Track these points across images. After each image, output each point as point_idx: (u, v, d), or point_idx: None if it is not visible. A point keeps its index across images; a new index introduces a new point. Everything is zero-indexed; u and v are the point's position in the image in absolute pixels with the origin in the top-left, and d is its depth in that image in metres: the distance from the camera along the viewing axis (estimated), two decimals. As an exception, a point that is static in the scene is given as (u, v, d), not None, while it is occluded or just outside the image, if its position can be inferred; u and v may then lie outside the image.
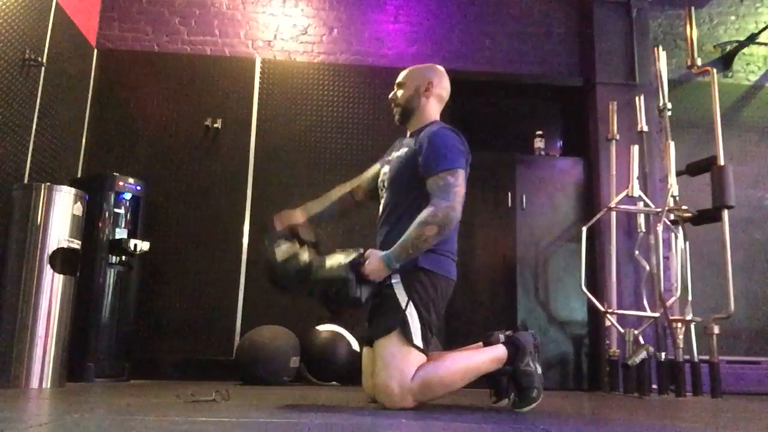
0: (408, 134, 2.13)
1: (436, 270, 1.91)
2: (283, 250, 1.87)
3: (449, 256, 1.96)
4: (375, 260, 1.83)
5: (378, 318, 1.89)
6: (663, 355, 3.19)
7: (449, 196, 1.84)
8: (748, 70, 4.35)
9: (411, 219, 1.87)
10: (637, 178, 3.54)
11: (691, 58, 3.60)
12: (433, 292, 1.89)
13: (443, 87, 2.14)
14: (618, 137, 3.76)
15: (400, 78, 2.16)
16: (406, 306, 1.84)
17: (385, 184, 2.07)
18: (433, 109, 2.12)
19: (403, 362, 1.79)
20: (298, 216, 2.12)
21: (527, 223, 3.92)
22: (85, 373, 2.92)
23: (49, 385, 2.53)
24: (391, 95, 2.18)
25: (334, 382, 3.27)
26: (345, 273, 1.78)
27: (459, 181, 1.88)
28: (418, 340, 1.82)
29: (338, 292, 1.79)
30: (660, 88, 3.64)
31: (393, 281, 1.88)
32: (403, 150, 2.05)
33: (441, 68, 2.19)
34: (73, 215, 2.69)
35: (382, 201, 2.09)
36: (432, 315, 1.88)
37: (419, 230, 1.81)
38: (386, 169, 2.10)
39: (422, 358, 1.84)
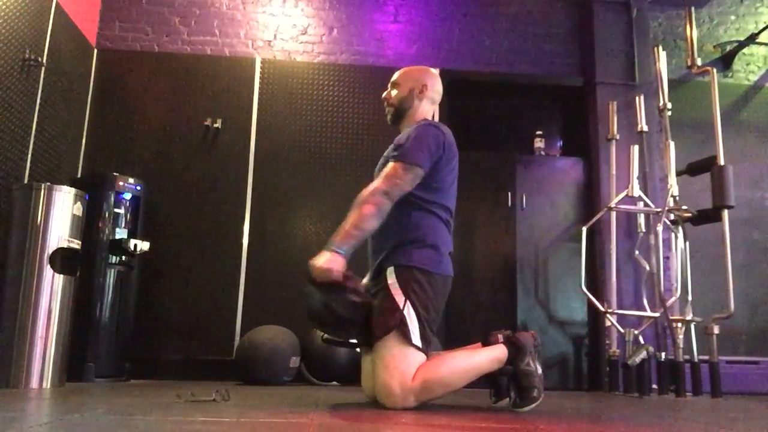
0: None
1: (431, 268, 1.91)
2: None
3: (443, 252, 1.97)
4: (319, 257, 1.79)
5: (376, 319, 1.89)
6: (663, 355, 3.19)
7: (387, 181, 1.88)
8: (748, 70, 4.35)
9: (392, 215, 1.90)
10: (637, 178, 3.54)
11: (691, 58, 3.60)
12: (430, 290, 1.89)
13: (436, 90, 2.18)
14: (618, 137, 3.77)
15: (394, 78, 2.19)
16: (404, 306, 1.85)
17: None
18: (425, 111, 2.15)
19: (403, 362, 1.79)
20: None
21: (527, 223, 3.92)
22: (85, 373, 2.92)
23: (49, 385, 2.53)
24: (384, 94, 2.20)
25: (334, 382, 3.27)
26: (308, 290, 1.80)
27: (405, 176, 1.89)
28: (417, 339, 1.82)
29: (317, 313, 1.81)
30: (660, 88, 3.64)
31: (389, 282, 1.89)
32: (390, 147, 2.08)
33: (435, 71, 2.22)
34: (73, 215, 2.69)
35: None
36: (431, 313, 1.88)
37: (356, 215, 1.83)
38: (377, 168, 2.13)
39: (422, 357, 1.84)
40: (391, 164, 1.92)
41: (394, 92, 2.15)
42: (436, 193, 1.98)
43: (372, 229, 1.86)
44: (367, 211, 1.83)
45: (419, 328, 1.83)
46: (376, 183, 1.90)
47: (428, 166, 1.93)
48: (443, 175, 1.99)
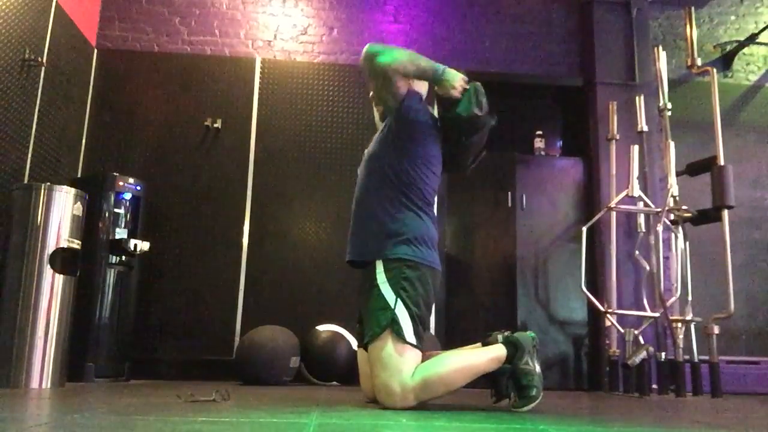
0: None
1: (420, 260, 1.91)
2: None
3: (430, 245, 1.97)
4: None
5: (369, 320, 1.89)
6: (663, 355, 3.19)
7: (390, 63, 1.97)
8: (748, 70, 4.35)
9: (388, 210, 1.94)
10: (637, 178, 3.54)
11: (691, 58, 3.61)
12: (420, 286, 1.89)
13: (423, 84, 2.17)
14: (618, 137, 3.77)
15: None
16: (395, 304, 1.85)
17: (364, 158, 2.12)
18: None
19: (400, 361, 1.79)
20: None
21: (527, 223, 3.92)
22: (85, 373, 2.92)
23: (49, 385, 2.53)
24: (371, 94, 2.20)
25: (334, 382, 3.27)
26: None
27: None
28: (410, 337, 1.82)
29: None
30: (660, 88, 3.64)
31: (379, 281, 1.89)
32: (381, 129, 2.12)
33: None
34: (73, 215, 2.69)
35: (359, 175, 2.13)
36: (422, 310, 1.88)
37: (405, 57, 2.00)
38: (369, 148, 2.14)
39: (418, 354, 1.84)
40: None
41: None
42: (420, 186, 1.99)
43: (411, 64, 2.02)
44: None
45: (412, 325, 1.84)
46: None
47: (402, 95, 2.00)
48: (429, 159, 2.02)
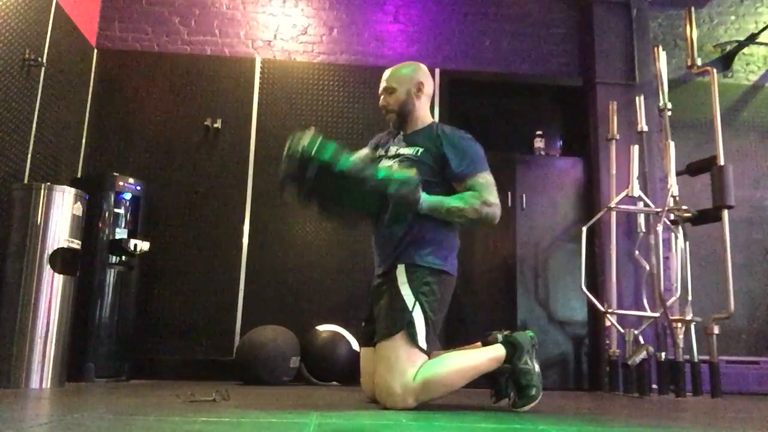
0: (401, 134, 2.14)
1: (444, 268, 1.92)
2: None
3: (455, 252, 1.99)
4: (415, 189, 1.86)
5: (384, 319, 1.89)
6: (663, 355, 3.19)
7: (495, 195, 1.95)
8: (748, 70, 4.35)
9: (416, 219, 1.90)
10: (637, 178, 3.54)
11: (691, 58, 3.61)
12: (440, 292, 1.90)
13: (430, 85, 2.20)
14: (618, 137, 3.76)
15: (387, 83, 2.14)
16: (413, 307, 1.85)
17: None
18: (425, 107, 2.16)
19: (406, 364, 1.80)
20: None
21: (527, 223, 3.92)
22: (85, 373, 2.92)
23: (49, 385, 2.53)
24: (381, 102, 2.16)
25: (334, 382, 3.27)
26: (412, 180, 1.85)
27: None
28: (422, 341, 1.83)
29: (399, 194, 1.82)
30: (660, 88, 3.65)
31: (399, 281, 1.89)
32: (412, 150, 2.03)
33: (424, 66, 2.21)
34: (73, 215, 2.69)
35: None
36: (437, 315, 1.90)
37: (465, 206, 1.90)
38: (389, 163, 2.04)
39: (425, 359, 1.84)
40: (480, 176, 1.97)
41: (391, 98, 2.12)
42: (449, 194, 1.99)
43: (459, 223, 1.97)
44: (470, 215, 1.91)
45: (425, 330, 1.84)
46: (489, 197, 1.94)
47: None
48: None
